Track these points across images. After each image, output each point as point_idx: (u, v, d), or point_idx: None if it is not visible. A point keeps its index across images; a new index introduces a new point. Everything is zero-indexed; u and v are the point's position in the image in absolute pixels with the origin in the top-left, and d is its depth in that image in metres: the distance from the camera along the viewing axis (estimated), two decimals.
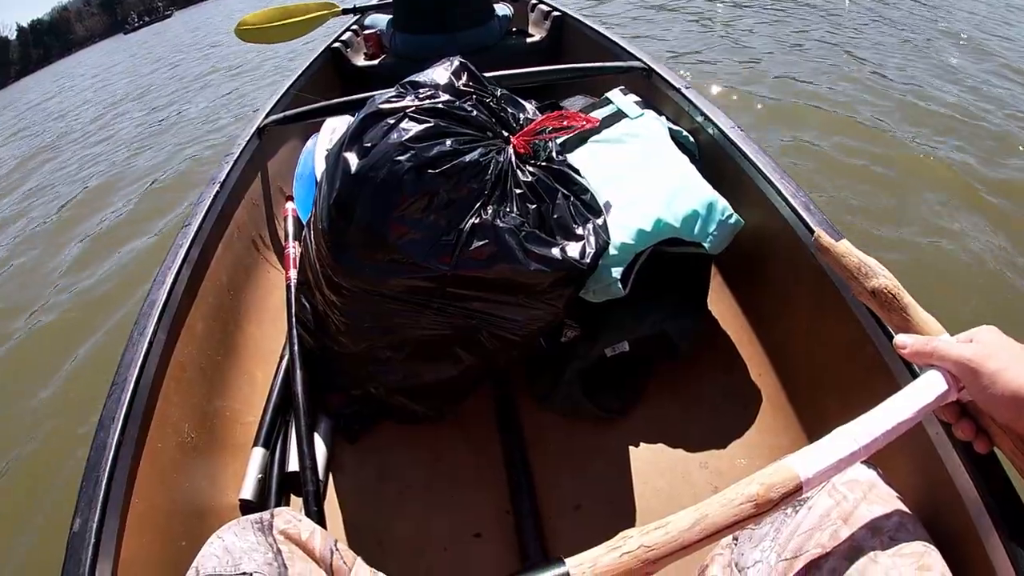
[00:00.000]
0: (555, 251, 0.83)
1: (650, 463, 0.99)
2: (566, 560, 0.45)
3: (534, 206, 0.86)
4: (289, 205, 1.48)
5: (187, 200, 3.26)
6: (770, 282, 1.09)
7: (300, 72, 2.11)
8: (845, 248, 0.67)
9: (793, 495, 0.45)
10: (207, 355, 1.07)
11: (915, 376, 0.68)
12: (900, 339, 0.55)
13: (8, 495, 1.73)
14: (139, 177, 4.23)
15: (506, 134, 0.91)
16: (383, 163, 0.79)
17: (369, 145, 0.82)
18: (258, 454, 1.01)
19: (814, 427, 0.94)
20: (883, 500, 0.54)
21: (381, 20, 2.57)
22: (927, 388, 0.50)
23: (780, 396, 1.02)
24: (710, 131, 1.21)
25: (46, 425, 1.94)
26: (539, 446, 1.02)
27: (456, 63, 0.95)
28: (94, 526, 0.67)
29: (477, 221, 0.80)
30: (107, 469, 0.73)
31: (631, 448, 1.01)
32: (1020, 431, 0.48)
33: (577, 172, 0.98)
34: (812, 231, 0.91)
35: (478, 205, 0.81)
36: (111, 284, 2.77)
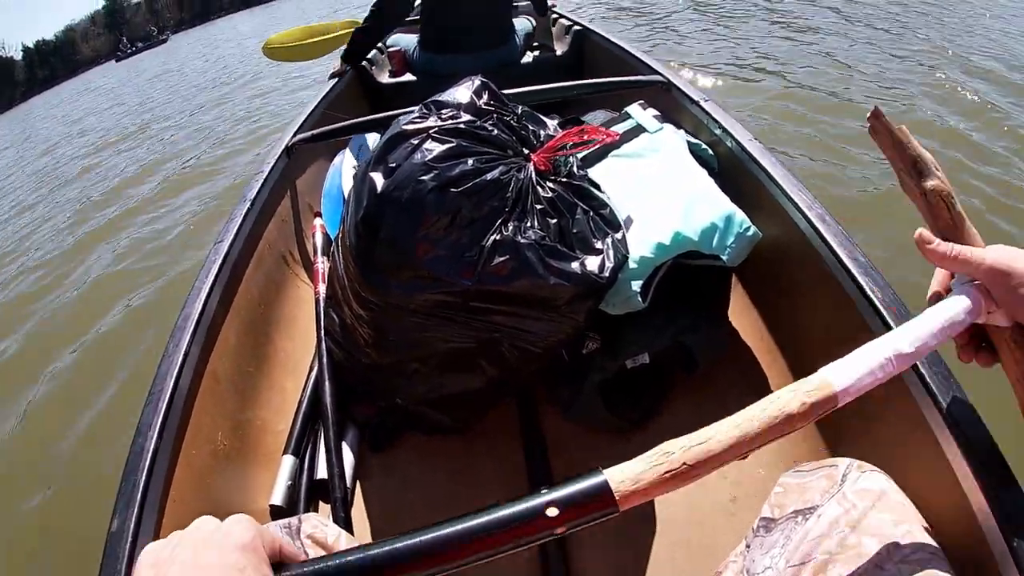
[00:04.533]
0: (575, 265, 0.85)
1: None
2: (604, 471, 0.44)
3: (554, 221, 0.88)
4: (317, 221, 1.52)
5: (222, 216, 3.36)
6: (789, 293, 1.09)
7: (327, 90, 2.16)
8: (904, 136, 0.57)
9: (828, 406, 0.45)
10: (239, 366, 1.11)
11: (935, 373, 0.70)
12: (925, 233, 0.53)
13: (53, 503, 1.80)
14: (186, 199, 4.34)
15: (526, 151, 0.93)
16: (408, 183, 0.82)
17: (394, 165, 0.85)
18: (288, 462, 1.05)
19: (833, 437, 0.94)
20: (893, 509, 0.54)
21: (404, 39, 2.62)
22: (957, 303, 0.49)
23: None
24: (728, 144, 1.22)
25: (89, 439, 2.02)
26: (561, 456, 1.04)
27: (477, 82, 0.98)
28: (131, 526, 0.70)
29: (498, 237, 0.83)
30: (144, 473, 0.76)
31: None
32: None
33: (597, 187, 1.00)
34: (828, 243, 0.92)
35: (499, 222, 0.84)
36: (149, 298, 2.86)
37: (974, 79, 3.48)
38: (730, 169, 1.21)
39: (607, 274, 0.87)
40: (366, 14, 2.29)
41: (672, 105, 1.48)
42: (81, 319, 2.89)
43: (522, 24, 2.61)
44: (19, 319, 3.15)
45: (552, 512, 0.41)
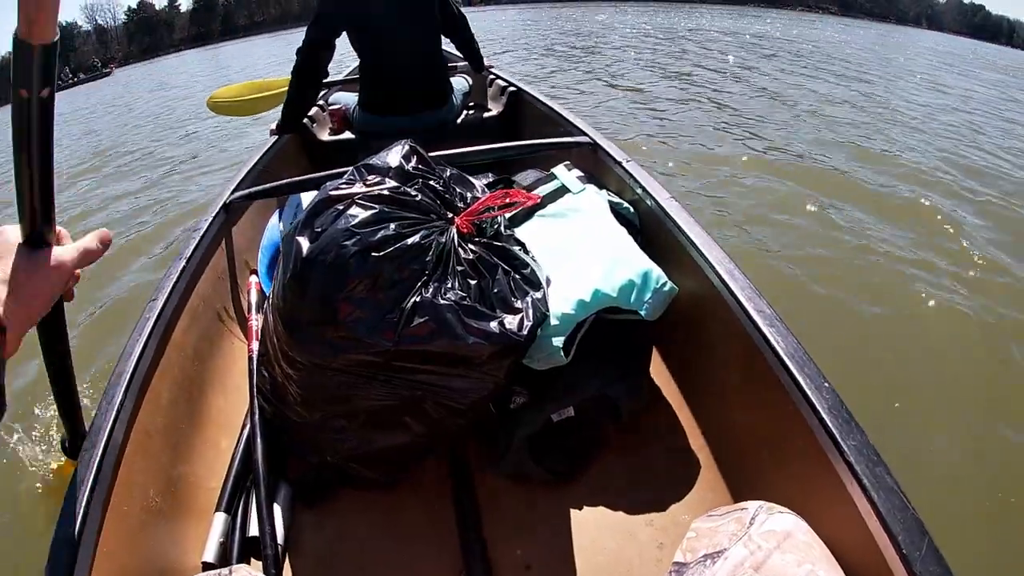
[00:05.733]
0: (493, 325, 0.89)
1: (598, 523, 1.03)
2: None
3: (475, 282, 0.92)
4: (253, 278, 1.54)
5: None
6: (705, 345, 1.15)
7: (267, 147, 2.18)
8: None
9: None
10: (173, 422, 1.10)
11: (837, 416, 0.75)
12: None
13: None
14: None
15: (450, 215, 0.98)
16: (332, 247, 0.86)
17: (320, 230, 0.88)
18: (220, 519, 1.04)
19: (748, 481, 0.99)
20: (797, 548, 0.57)
21: (345, 97, 2.65)
22: None
23: (719, 452, 1.07)
24: (648, 203, 1.30)
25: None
26: (491, 509, 1.05)
27: (407, 147, 1.03)
28: None
29: (418, 299, 0.86)
30: (76, 530, 0.77)
31: (580, 510, 1.05)
32: None
33: (522, 246, 1.05)
34: (735, 295, 0.99)
35: (419, 284, 0.87)
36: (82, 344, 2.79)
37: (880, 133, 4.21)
38: (650, 226, 1.28)
39: (525, 332, 0.91)
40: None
41: (598, 165, 1.56)
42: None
43: (460, 84, 2.67)
44: None
45: None
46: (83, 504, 0.80)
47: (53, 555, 0.74)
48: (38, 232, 0.58)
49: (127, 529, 0.88)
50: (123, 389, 0.98)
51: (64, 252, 0.59)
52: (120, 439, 0.93)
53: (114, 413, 0.94)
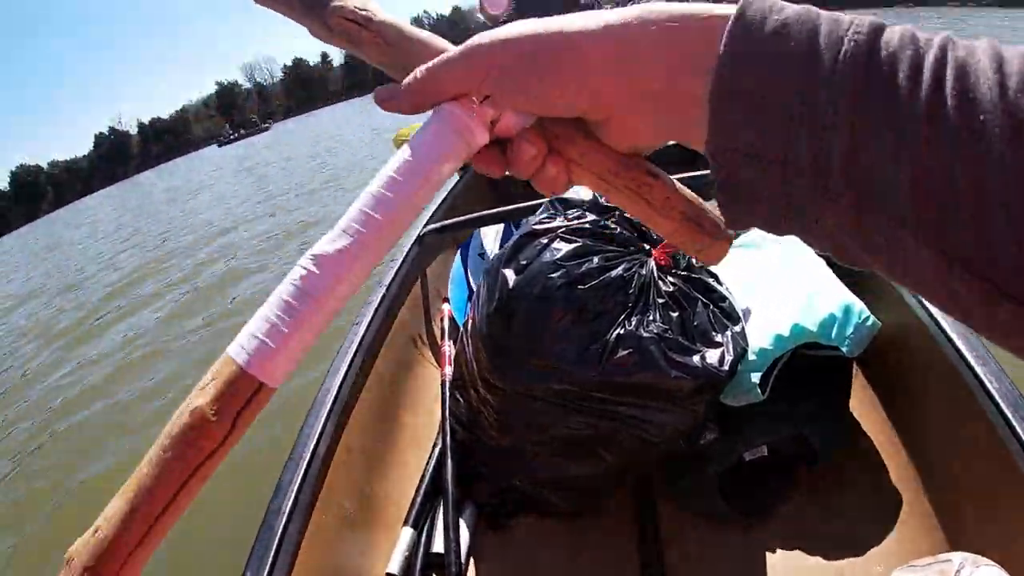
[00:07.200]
0: (695, 359, 0.88)
1: (787, 568, 0.98)
2: None
3: (676, 314, 0.92)
4: (445, 307, 1.62)
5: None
6: (908, 384, 1.07)
7: (455, 181, 2.34)
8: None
9: None
10: (369, 440, 1.19)
11: None
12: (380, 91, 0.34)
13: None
14: None
15: (647, 247, 0.99)
16: (538, 280, 0.89)
17: (525, 263, 0.92)
18: (407, 533, 1.10)
19: (952, 531, 0.90)
20: None
21: None
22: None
23: (920, 501, 0.98)
24: None
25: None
26: (676, 546, 1.03)
27: None
28: None
29: (622, 331, 0.87)
30: (279, 531, 0.85)
31: (767, 552, 1.00)
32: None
33: (716, 278, 1.03)
34: (946, 333, 0.92)
35: (623, 316, 0.88)
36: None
37: None
38: None
39: (727, 367, 0.89)
40: None
41: None
42: None
43: None
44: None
45: None
46: (287, 512, 0.88)
47: (255, 553, 0.83)
48: None
49: (324, 538, 0.95)
50: (328, 408, 1.07)
51: None
52: (323, 453, 1.01)
53: (320, 427, 1.03)
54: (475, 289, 1.07)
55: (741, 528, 1.04)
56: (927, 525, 0.95)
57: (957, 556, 0.66)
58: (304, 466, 0.96)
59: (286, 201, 8.55)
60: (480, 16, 2.61)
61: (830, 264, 1.12)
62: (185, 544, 1.94)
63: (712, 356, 0.89)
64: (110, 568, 0.26)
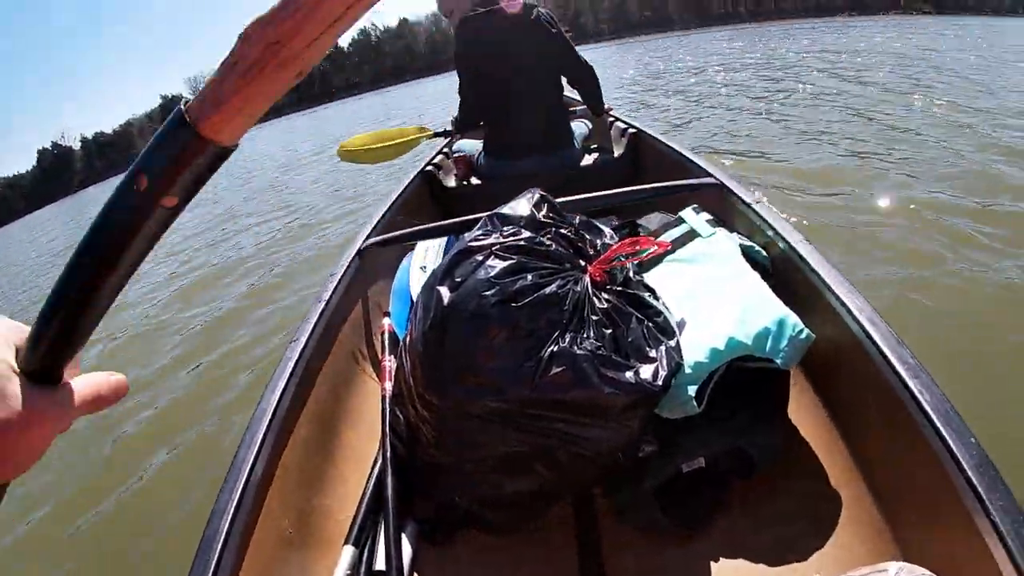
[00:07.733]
0: (629, 375, 0.88)
1: None
2: None
3: (609, 331, 0.92)
4: (386, 321, 1.60)
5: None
6: (842, 396, 1.09)
7: (397, 194, 2.30)
8: None
9: None
10: (307, 457, 1.17)
11: (983, 475, 0.70)
12: None
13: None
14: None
15: (583, 263, 0.99)
16: (472, 297, 0.89)
17: (460, 280, 0.92)
18: (348, 551, 1.08)
19: (886, 540, 0.93)
20: None
21: (469, 145, 2.79)
22: None
23: (858, 510, 1.00)
24: (781, 245, 1.25)
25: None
26: (617, 560, 1.03)
27: (536, 196, 1.05)
28: None
29: (556, 349, 0.87)
30: (215, 558, 0.83)
31: (709, 562, 1.01)
32: None
33: (652, 293, 1.04)
34: (877, 344, 0.94)
35: (556, 334, 0.88)
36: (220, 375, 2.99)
37: None
38: (783, 270, 1.23)
39: (660, 382, 0.89)
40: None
41: (726, 207, 1.52)
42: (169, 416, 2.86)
43: (579, 128, 2.74)
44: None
45: None
46: (223, 534, 0.86)
47: None
48: (49, 370, 0.33)
49: (263, 559, 0.93)
50: (265, 425, 1.05)
51: (69, 396, 0.34)
52: (261, 472, 0.99)
53: (256, 447, 1.00)
54: (414, 304, 1.06)
55: (680, 540, 1.05)
56: (865, 534, 0.97)
57: (893, 566, 0.67)
58: (240, 487, 0.94)
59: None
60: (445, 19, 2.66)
61: (766, 275, 1.14)
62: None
63: (646, 371, 0.90)
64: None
